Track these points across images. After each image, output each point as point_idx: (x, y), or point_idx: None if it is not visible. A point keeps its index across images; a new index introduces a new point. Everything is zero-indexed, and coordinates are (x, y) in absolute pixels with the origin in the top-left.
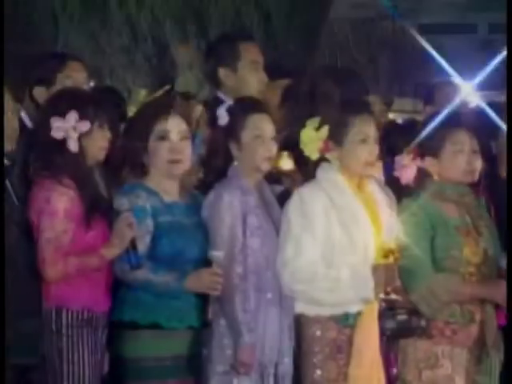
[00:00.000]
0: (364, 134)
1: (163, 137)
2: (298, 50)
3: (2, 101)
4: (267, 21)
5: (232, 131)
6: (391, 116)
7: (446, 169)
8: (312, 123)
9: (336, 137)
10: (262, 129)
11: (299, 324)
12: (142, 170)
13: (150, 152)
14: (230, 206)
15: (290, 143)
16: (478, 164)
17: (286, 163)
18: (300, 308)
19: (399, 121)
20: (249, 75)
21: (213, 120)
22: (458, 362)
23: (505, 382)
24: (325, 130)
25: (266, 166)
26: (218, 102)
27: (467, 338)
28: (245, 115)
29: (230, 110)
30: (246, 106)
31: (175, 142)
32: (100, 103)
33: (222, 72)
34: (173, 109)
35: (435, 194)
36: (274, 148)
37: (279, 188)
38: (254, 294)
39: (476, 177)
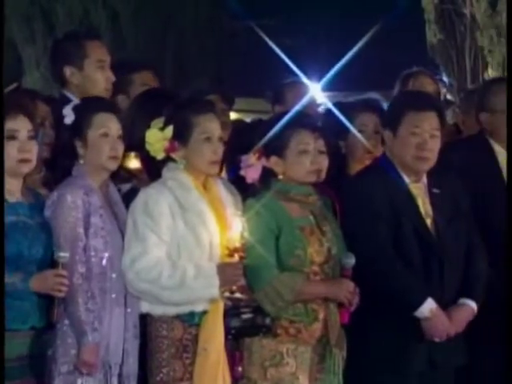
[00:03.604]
0: (208, 133)
1: (12, 136)
2: (146, 49)
3: (2, 101)
4: (115, 20)
5: (78, 130)
6: (240, 116)
7: (290, 169)
8: (157, 124)
9: (181, 136)
10: (107, 127)
11: (146, 323)
12: None
13: None
14: (73, 206)
15: (136, 143)
16: (324, 164)
17: (134, 162)
18: (146, 308)
19: (247, 120)
20: (95, 74)
21: (58, 119)
22: (302, 361)
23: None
24: (169, 129)
25: (111, 165)
26: (65, 100)
27: (311, 337)
28: (91, 114)
29: (76, 109)
30: (92, 105)
31: (24, 141)
32: None
33: (68, 70)
34: (21, 107)
35: (280, 193)
36: (119, 147)
37: (126, 187)
38: (98, 293)
39: (322, 177)
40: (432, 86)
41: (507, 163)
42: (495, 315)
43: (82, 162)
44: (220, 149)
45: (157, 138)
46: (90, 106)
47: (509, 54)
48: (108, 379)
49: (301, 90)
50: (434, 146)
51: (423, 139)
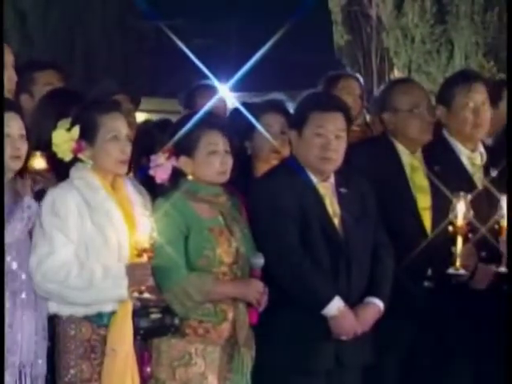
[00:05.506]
0: (115, 132)
1: None
2: (54, 49)
3: (2, 101)
4: (23, 20)
5: None
6: (149, 116)
7: (200, 169)
8: (63, 124)
9: (87, 136)
10: (6, 126)
11: (54, 324)
12: None
13: None
14: None
15: (43, 143)
16: (230, 164)
17: (39, 162)
18: (54, 308)
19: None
20: None
21: None
22: (211, 360)
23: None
24: (76, 130)
25: (12, 165)
26: None
27: (220, 337)
28: None
29: None
30: None
31: None
32: None
33: None
34: None
35: (189, 193)
36: (22, 146)
37: (36, 188)
38: (8, 295)
39: (227, 177)
40: (359, 90)
41: (507, 164)
42: (402, 314)
43: None
44: (128, 147)
45: (63, 138)
46: None
47: (509, 52)
48: (22, 380)
49: (211, 93)
50: (339, 147)
51: (327, 140)
